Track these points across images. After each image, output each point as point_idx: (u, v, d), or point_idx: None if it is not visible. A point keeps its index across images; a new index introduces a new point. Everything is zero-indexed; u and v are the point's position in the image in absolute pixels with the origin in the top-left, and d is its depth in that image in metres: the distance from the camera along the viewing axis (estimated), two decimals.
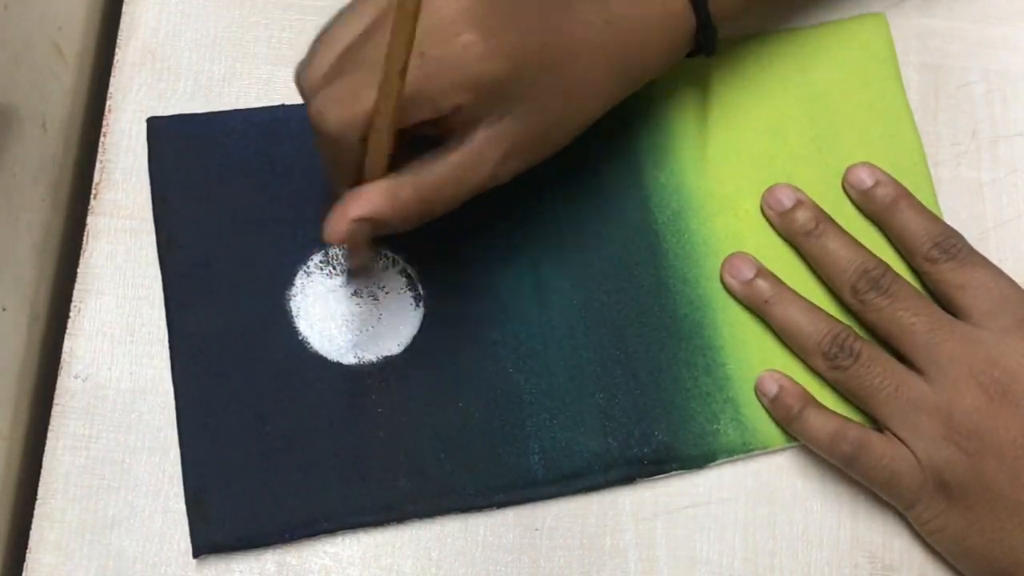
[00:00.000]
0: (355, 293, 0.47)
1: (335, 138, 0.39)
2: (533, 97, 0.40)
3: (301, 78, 0.40)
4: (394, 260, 0.47)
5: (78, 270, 0.47)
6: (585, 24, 0.41)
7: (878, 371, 0.44)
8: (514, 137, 0.40)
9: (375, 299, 0.47)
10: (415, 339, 0.46)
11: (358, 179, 0.40)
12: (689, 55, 0.45)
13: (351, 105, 0.38)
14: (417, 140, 0.40)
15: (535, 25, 0.40)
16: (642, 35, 0.42)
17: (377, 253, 0.47)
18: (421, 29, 0.36)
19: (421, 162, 0.40)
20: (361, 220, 0.39)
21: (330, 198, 0.41)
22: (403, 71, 0.36)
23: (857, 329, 0.45)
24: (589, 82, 0.42)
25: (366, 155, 0.39)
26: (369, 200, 0.39)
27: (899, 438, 0.43)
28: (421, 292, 0.47)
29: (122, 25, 0.50)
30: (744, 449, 0.45)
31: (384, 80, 0.36)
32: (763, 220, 0.48)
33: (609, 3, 0.41)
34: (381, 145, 0.39)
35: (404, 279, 0.47)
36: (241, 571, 0.44)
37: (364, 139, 0.39)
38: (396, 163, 0.40)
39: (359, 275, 0.47)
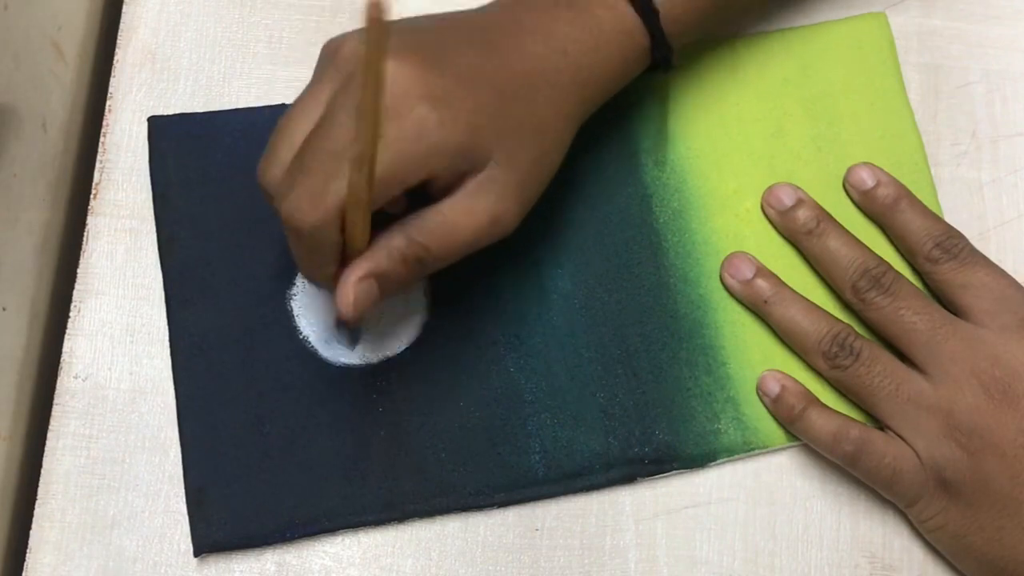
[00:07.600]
0: None
1: (312, 235, 0.38)
2: (507, 141, 0.40)
3: (264, 177, 0.40)
4: None
5: (78, 270, 0.47)
6: (536, 57, 0.41)
7: (879, 370, 0.44)
8: (503, 181, 0.40)
9: None
10: (416, 339, 0.46)
11: (339, 264, 0.40)
12: (649, 70, 0.45)
13: (323, 200, 0.37)
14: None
15: (486, 77, 0.40)
16: (595, 57, 0.42)
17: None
18: None
19: (415, 213, 0.40)
20: (364, 278, 0.39)
21: None
22: (372, 155, 0.35)
23: (858, 328, 0.45)
24: (555, 111, 0.41)
25: (344, 242, 0.39)
26: (365, 259, 0.39)
27: (900, 436, 0.43)
28: (423, 292, 0.47)
29: (122, 25, 0.50)
30: (745, 448, 0.45)
31: (354, 166, 0.36)
32: (764, 219, 0.48)
33: (555, 32, 0.41)
34: (359, 230, 0.38)
35: None
36: (241, 571, 0.44)
37: (341, 229, 0.38)
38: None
39: (352, 325, 0.46)
